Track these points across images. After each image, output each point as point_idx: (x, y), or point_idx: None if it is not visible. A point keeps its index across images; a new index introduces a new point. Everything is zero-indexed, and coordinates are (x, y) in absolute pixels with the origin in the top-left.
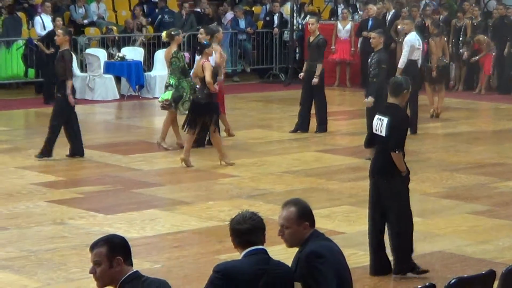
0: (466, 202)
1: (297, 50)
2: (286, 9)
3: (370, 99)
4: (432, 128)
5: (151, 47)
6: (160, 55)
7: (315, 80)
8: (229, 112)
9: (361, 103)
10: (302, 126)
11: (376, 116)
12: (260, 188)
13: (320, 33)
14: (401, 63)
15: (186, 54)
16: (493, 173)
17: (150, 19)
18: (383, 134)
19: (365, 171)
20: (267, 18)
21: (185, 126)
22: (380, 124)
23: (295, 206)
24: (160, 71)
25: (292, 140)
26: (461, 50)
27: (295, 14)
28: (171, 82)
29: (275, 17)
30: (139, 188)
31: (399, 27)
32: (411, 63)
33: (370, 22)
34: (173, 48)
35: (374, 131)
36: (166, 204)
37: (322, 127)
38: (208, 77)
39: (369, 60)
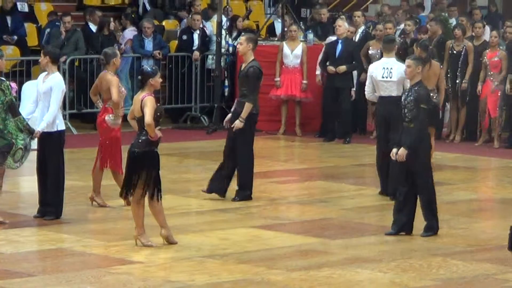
0: None
1: (226, 83)
2: (213, 24)
3: (403, 151)
4: None
5: None
6: None
7: (237, 123)
8: None
9: (323, 158)
10: (220, 186)
11: None
12: (172, 279)
13: (255, 58)
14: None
15: (13, 85)
16: (502, 259)
17: (15, 36)
18: None
19: (322, 255)
20: (184, 37)
21: (122, 191)
22: None
23: None
24: None
25: (217, 212)
26: (458, 82)
27: (223, 32)
28: None
29: (195, 36)
30: None
31: (370, 49)
32: (380, 102)
33: (339, 46)
34: None
35: None
36: None
37: (244, 193)
38: (149, 116)
39: (403, 97)
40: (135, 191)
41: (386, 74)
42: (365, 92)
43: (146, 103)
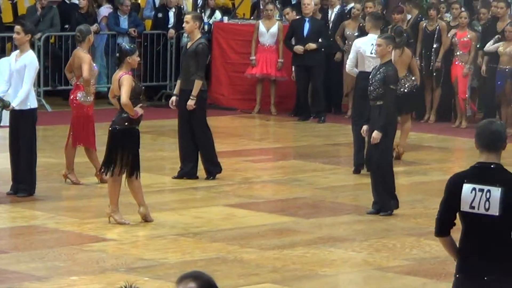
0: (438, 281)
1: None
2: (189, 3)
3: (377, 133)
4: None
5: None
6: None
7: (191, 103)
8: (103, 148)
9: (297, 138)
10: (188, 171)
11: (470, 186)
12: (145, 257)
13: (202, 36)
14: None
15: None
16: None
17: None
18: (492, 212)
19: (295, 234)
20: (159, 15)
21: (102, 168)
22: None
23: (196, 282)
24: None
25: (192, 189)
26: (432, 64)
27: (199, 10)
28: None
29: (171, 14)
30: None
31: (346, 29)
32: (362, 76)
33: (306, 24)
34: None
35: (467, 209)
36: (9, 280)
37: (215, 169)
38: (125, 96)
39: (371, 76)
40: (115, 168)
41: (374, 50)
42: (347, 66)
43: (123, 83)
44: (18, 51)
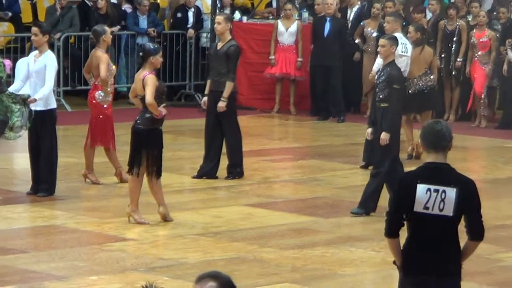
0: None
1: None
2: (205, 3)
3: (385, 134)
4: None
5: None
6: None
7: (221, 105)
8: (123, 147)
9: (316, 137)
10: (208, 170)
11: (425, 186)
12: (165, 257)
13: (233, 37)
14: (371, 76)
15: (7, 62)
16: (493, 239)
17: (10, 13)
18: (446, 213)
19: (314, 234)
20: (179, 15)
21: (129, 167)
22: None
23: (215, 281)
24: None
25: (212, 189)
26: (451, 63)
27: (217, 11)
28: None
29: (190, 14)
30: None
31: (365, 29)
32: None
33: (327, 24)
34: None
35: (420, 209)
36: (30, 280)
37: (236, 171)
38: (149, 96)
39: (376, 77)
40: (140, 168)
41: (404, 49)
42: (375, 65)
43: (147, 82)
44: (37, 51)
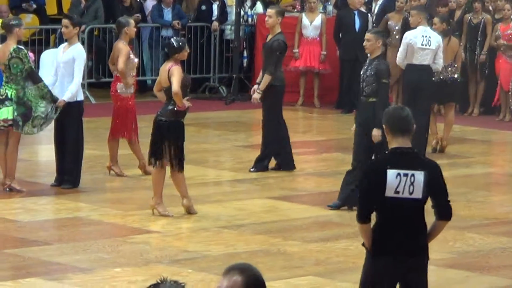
0: (482, 274)
1: (245, 54)
2: None
3: (377, 131)
4: None
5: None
6: None
7: (255, 96)
8: (146, 140)
9: (340, 130)
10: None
11: (394, 171)
12: (189, 250)
13: (281, 30)
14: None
15: (30, 54)
16: None
17: (34, 5)
18: (416, 196)
19: (338, 227)
20: (203, 7)
21: (150, 160)
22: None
23: (242, 275)
24: None
25: (235, 182)
26: (476, 57)
27: (242, 3)
28: (8, 94)
29: (214, 6)
30: (14, 248)
31: (389, 22)
32: (410, 69)
33: (356, 19)
34: (11, 44)
35: (391, 194)
36: (54, 272)
37: (262, 164)
38: (176, 85)
39: (362, 71)
40: (162, 160)
41: (425, 42)
42: (398, 58)
43: (173, 73)
44: (66, 43)
